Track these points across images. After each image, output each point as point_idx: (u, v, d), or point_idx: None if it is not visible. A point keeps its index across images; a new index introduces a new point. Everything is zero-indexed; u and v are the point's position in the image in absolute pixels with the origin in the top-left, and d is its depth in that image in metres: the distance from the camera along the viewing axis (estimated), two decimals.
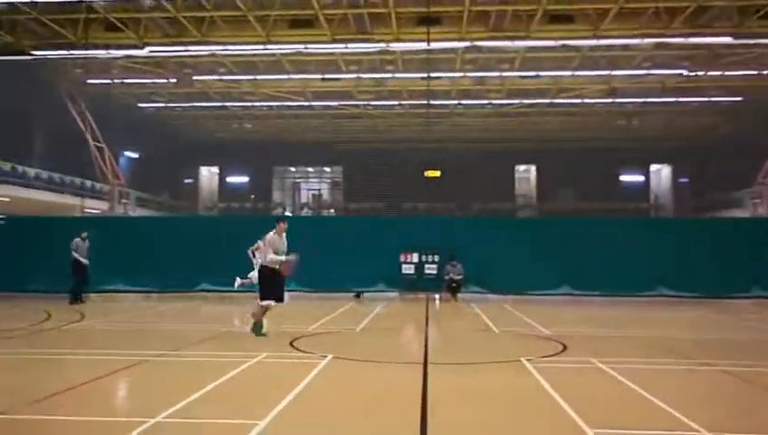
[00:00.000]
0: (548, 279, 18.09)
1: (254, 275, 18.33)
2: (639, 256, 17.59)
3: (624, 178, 46.67)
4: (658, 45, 26.16)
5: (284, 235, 9.90)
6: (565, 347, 8.79)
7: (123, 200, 33.35)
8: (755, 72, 28.99)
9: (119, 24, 23.43)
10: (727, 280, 17.47)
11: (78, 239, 15.53)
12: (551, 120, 39.32)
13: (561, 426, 4.95)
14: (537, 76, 30.31)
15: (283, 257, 9.72)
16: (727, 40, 24.68)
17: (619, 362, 7.55)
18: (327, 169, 49.60)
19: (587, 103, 35.47)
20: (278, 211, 45.34)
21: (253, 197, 45.33)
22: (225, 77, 30.38)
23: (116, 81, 30.57)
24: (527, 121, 39.74)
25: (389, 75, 30.49)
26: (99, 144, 31.87)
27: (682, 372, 7.44)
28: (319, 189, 49.46)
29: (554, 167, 42.59)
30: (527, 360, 7.62)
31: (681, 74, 29.48)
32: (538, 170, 46.40)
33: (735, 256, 17.49)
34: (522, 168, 47.23)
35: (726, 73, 29.36)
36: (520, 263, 17.73)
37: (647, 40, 25.32)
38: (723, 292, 17.46)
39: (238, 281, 17.25)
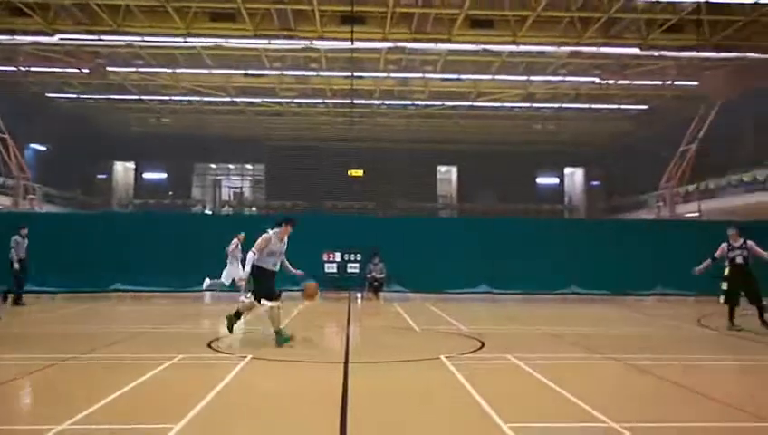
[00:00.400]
0: (468, 278, 18.53)
1: (239, 275, 17.70)
2: (554, 255, 18.33)
3: (540, 180, 48.41)
4: (573, 54, 27.30)
5: (286, 238, 9.28)
6: (483, 344, 9.02)
7: (29, 196, 31.47)
8: (660, 83, 30.77)
9: (25, 9, 22.13)
10: (633, 278, 18.45)
11: (17, 237, 14.57)
12: (471, 122, 40.24)
13: (476, 421, 5.07)
14: (459, 79, 30.97)
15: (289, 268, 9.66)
16: (635, 51, 26.08)
17: (533, 357, 7.82)
18: (249, 167, 48.77)
19: (506, 107, 36.57)
20: (198, 208, 44.19)
21: (171, 193, 43.91)
22: (142, 69, 29.28)
23: (22, 68, 28.83)
24: (449, 123, 40.53)
25: (313, 73, 30.35)
26: (2, 135, 29.96)
27: (592, 366, 7.79)
28: (240, 187, 48.55)
29: (475, 168, 43.66)
30: (446, 357, 7.76)
31: (593, 82, 30.89)
32: (459, 172, 47.41)
33: (641, 255, 18.48)
34: (443, 169, 48.13)
35: (634, 83, 30.99)
36: (441, 262, 18.08)
37: (562, 48, 26.38)
38: (629, 289, 18.46)
39: (207, 281, 16.86)
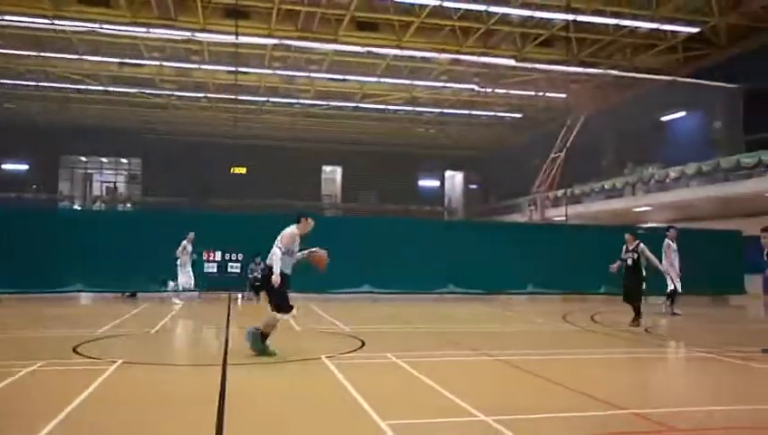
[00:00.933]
0: (350, 278, 18.62)
1: (184, 279, 16.47)
2: (433, 255, 18.84)
3: (422, 182, 49.75)
4: (454, 61, 28.34)
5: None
6: (364, 343, 9.14)
7: None
8: (533, 93, 32.65)
9: None
10: (507, 278, 19.39)
11: None
12: (356, 123, 40.63)
13: (355, 419, 5.13)
14: (344, 80, 31.16)
15: (299, 255, 8.23)
16: (511, 62, 27.52)
17: (412, 355, 8.03)
18: (124, 161, 46.16)
19: (390, 110, 37.27)
20: (65, 203, 41.18)
21: (34, 187, 40.60)
22: (2, 51, 26.91)
23: None
24: (334, 123, 40.65)
25: (195, 66, 29.32)
26: None
27: (467, 362, 8.11)
28: (114, 182, 45.84)
29: (359, 169, 44.10)
30: (327, 357, 7.79)
31: (472, 89, 32.22)
32: (344, 172, 47.66)
33: (514, 256, 19.46)
34: (328, 168, 48.19)
35: (510, 92, 32.67)
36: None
37: (444, 55, 27.29)
38: (503, 288, 19.41)
39: (171, 285, 16.32)
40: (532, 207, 34.39)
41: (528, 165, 36.16)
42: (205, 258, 18.39)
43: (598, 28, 25.59)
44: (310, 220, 8.31)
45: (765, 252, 8.58)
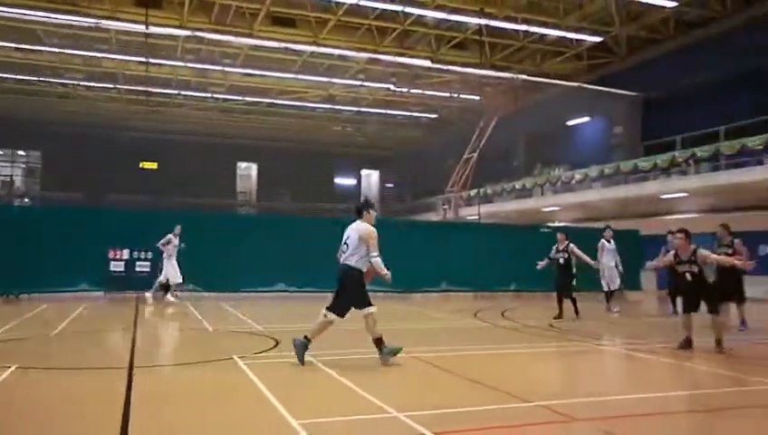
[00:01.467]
0: (265, 277, 18.35)
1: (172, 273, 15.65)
2: None
3: (338, 180, 49.72)
4: (371, 60, 28.51)
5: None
6: (278, 343, 9.04)
7: None
8: (447, 94, 33.35)
9: None
10: (422, 276, 19.67)
11: None
12: (272, 120, 40.10)
13: (267, 419, 5.08)
14: (260, 75, 30.67)
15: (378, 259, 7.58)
16: (426, 63, 28.00)
17: (327, 354, 8.02)
18: (21, 153, 43.36)
19: (307, 107, 37.02)
20: None
21: None
22: None
23: None
24: (250, 119, 39.93)
25: (103, 55, 27.94)
26: None
27: (378, 360, 8.17)
28: (11, 175, 42.98)
29: (275, 166, 43.55)
30: (239, 357, 7.66)
31: (389, 89, 32.53)
32: (259, 169, 46.91)
33: (429, 254, 19.80)
34: (243, 165, 47.27)
35: (425, 93, 33.23)
36: (237, 260, 17.68)
37: (361, 54, 27.41)
38: (418, 286, 19.68)
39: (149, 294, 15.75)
40: (446, 207, 35.12)
41: (442, 165, 36.90)
42: (111, 256, 17.57)
43: (509, 34, 26.49)
44: (372, 211, 7.87)
45: (672, 252, 9.16)
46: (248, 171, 47.67)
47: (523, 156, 36.83)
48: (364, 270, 7.56)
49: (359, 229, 7.55)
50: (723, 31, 23.91)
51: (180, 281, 15.91)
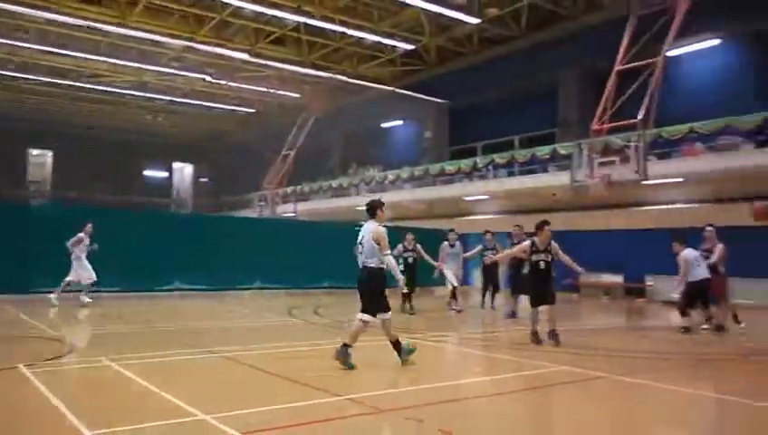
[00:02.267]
0: (55, 275, 16.65)
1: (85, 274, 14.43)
2: (157, 250, 17.75)
3: (148, 172, 46.92)
4: (187, 48, 27.27)
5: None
6: (74, 348, 8.33)
7: None
8: (266, 89, 32.98)
9: None
10: (236, 273, 19.25)
11: None
12: (73, 104, 36.67)
13: (56, 432, 4.67)
14: (59, 54, 27.88)
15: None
16: (245, 56, 27.44)
17: (130, 357, 7.55)
18: None
19: (115, 92, 34.37)
20: None
21: None
22: None
23: None
24: (44, 102, 36.12)
25: None
26: None
27: (190, 361, 7.87)
28: None
29: (76, 154, 39.80)
30: (26, 365, 6.91)
31: (205, 80, 31.38)
32: (56, 156, 42.57)
33: (243, 251, 19.44)
34: (36, 152, 42.58)
35: (243, 86, 32.55)
36: (22, 257, 15.79)
37: (175, 41, 26.09)
38: (232, 284, 19.20)
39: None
40: (263, 203, 34.74)
41: (260, 161, 36.42)
42: None
43: (327, 34, 26.88)
44: (384, 210, 7.76)
45: (527, 242, 9.78)
46: (42, 159, 43.01)
47: (340, 155, 37.61)
48: (384, 267, 7.52)
49: (371, 230, 7.52)
50: (519, 49, 26.43)
51: (95, 279, 14.77)
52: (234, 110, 38.09)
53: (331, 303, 16.94)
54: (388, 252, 7.48)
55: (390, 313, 7.60)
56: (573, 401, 6.25)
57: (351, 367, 7.19)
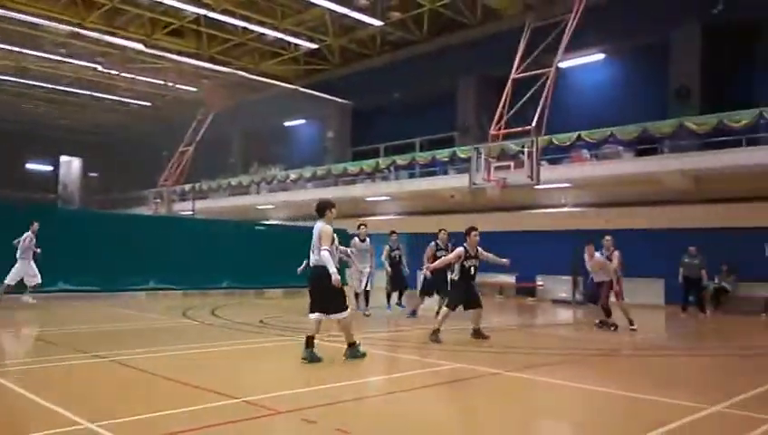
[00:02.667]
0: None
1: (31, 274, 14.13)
2: (40, 248, 16.48)
3: (31, 166, 43.90)
4: (74, 34, 25.69)
5: None
6: None
7: None
8: (163, 82, 31.71)
9: None
10: (125, 273, 18.26)
11: None
12: None
13: None
14: None
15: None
16: (140, 46, 26.24)
17: (8, 365, 7.00)
18: None
19: None
20: None
21: None
22: None
23: None
24: None
25: None
26: None
27: (75, 366, 7.40)
28: None
29: None
30: None
31: (95, 69, 29.72)
32: None
33: (136, 250, 18.49)
34: None
35: (138, 78, 31.12)
36: None
37: (61, 26, 24.53)
38: (122, 285, 18.19)
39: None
40: (159, 200, 33.33)
41: (156, 156, 34.92)
42: None
43: (229, 28, 26.23)
44: (334, 211, 7.93)
45: (461, 248, 9.99)
46: None
47: (241, 153, 36.81)
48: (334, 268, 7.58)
49: (318, 229, 7.75)
50: (421, 54, 26.96)
51: (39, 281, 14.60)
52: (128, 102, 36.32)
53: (229, 303, 16.52)
54: (326, 247, 7.55)
55: (348, 312, 7.72)
56: (468, 398, 6.44)
57: (313, 360, 7.56)
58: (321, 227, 7.70)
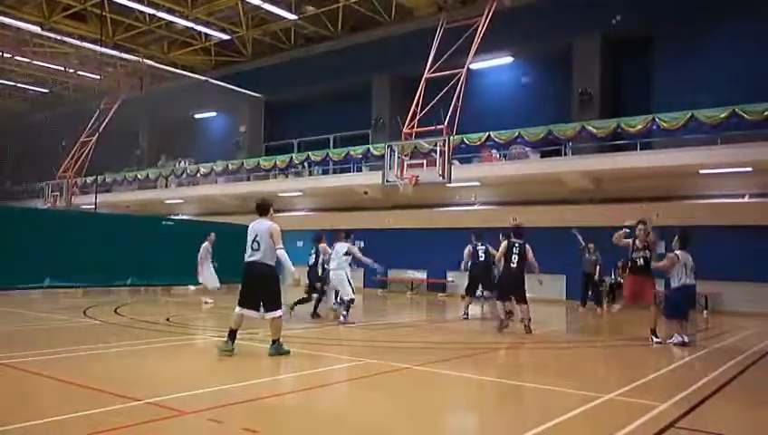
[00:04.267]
0: None
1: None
2: None
3: None
4: None
5: None
6: None
7: None
8: (62, 69, 29.96)
9: None
10: (18, 270, 17.17)
11: None
12: None
13: None
14: None
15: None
16: (36, 29, 24.68)
17: None
18: None
19: None
20: None
21: None
22: None
23: None
24: None
25: None
26: None
27: None
28: None
29: None
30: None
31: None
32: None
33: (30, 246, 17.42)
34: None
35: (34, 62, 29.24)
36: None
37: None
38: (14, 283, 17.08)
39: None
40: (57, 193, 31.42)
41: (54, 147, 32.95)
42: None
43: (135, 14, 25.14)
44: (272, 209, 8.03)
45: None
46: None
47: (148, 145, 35.39)
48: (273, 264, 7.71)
49: (267, 227, 7.68)
50: (336, 50, 26.89)
51: (218, 286, 14.94)
52: (22, 88, 34.03)
53: (134, 301, 15.86)
54: (281, 246, 7.61)
55: (281, 311, 7.82)
56: (377, 392, 6.50)
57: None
58: (271, 226, 7.69)
